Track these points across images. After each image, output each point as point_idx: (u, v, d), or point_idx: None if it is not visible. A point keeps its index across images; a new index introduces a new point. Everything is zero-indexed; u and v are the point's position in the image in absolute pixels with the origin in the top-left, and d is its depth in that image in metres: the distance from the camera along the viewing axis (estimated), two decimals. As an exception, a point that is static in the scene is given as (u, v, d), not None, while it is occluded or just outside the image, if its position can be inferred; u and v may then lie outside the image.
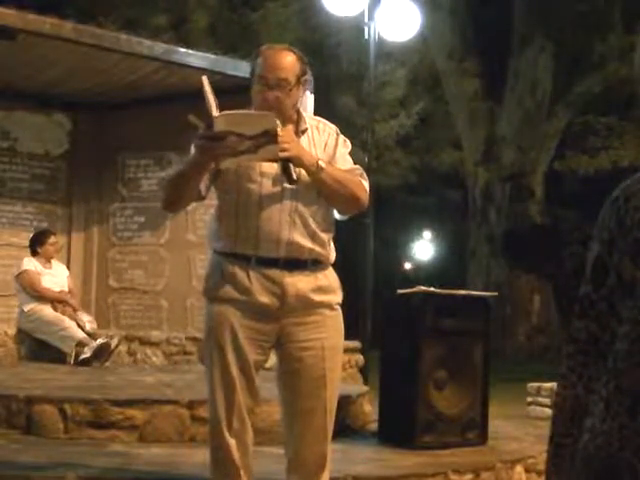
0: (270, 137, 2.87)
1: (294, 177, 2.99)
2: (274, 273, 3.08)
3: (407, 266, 31.77)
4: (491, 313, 5.45)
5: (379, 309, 5.86)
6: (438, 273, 25.64)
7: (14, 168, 8.57)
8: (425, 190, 24.24)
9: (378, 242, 9.77)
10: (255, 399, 3.17)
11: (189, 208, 8.02)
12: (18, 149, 8.59)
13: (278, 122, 2.92)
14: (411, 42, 11.96)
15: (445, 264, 27.61)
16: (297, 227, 3.08)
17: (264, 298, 3.08)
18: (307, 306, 3.13)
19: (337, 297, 3.24)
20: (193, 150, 3.07)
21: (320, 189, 3.09)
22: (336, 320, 3.23)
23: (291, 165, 2.98)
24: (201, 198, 3.12)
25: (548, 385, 7.81)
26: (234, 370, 3.08)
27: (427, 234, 30.51)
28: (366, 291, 8.65)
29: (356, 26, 10.58)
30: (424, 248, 30.72)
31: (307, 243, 3.11)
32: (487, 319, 5.34)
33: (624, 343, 1.50)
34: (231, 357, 3.08)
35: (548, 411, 7.09)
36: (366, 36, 9.22)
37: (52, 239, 7.70)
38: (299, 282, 3.11)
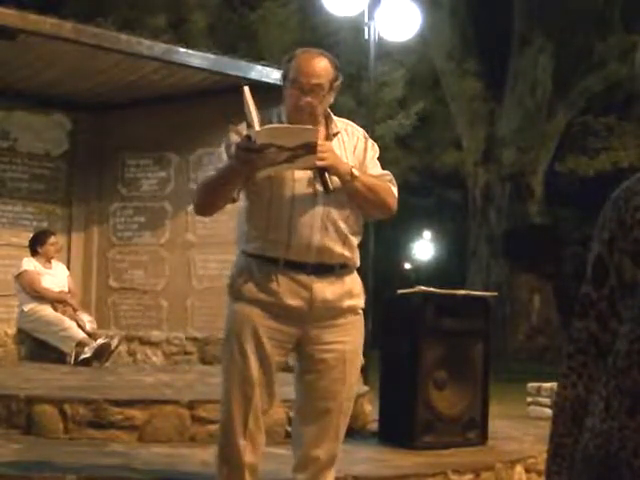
0: (310, 149, 2.91)
1: (330, 186, 3.02)
2: (303, 278, 3.10)
3: (407, 266, 31.76)
4: (491, 313, 5.45)
5: (379, 309, 5.86)
6: (438, 273, 25.64)
7: (14, 168, 8.57)
8: (425, 190, 24.24)
9: (378, 242, 9.76)
10: (272, 400, 3.19)
11: (189, 209, 8.01)
12: (18, 149, 8.58)
13: (318, 134, 2.96)
14: (411, 42, 11.95)
15: (445, 264, 27.62)
16: (329, 232, 3.10)
17: (292, 301, 3.10)
18: (334, 311, 3.16)
19: (361, 301, 3.28)
20: (225, 157, 3.10)
21: (352, 196, 3.12)
22: (359, 324, 3.27)
23: (326, 174, 3.01)
24: (233, 200, 3.15)
25: (548, 385, 7.80)
26: (254, 370, 3.09)
27: (427, 234, 30.50)
28: (366, 291, 8.63)
29: (356, 26, 10.57)
30: (424, 248, 30.71)
31: (338, 248, 3.13)
32: (487, 319, 5.34)
33: (624, 343, 1.50)
34: (252, 357, 3.09)
35: (548, 411, 7.08)
36: (366, 36, 9.21)
37: (52, 239, 7.71)
38: (327, 288, 3.13)
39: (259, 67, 7.68)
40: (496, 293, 7.24)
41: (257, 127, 2.90)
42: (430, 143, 21.09)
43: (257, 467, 3.17)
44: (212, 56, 7.82)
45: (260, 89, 5.35)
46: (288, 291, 3.09)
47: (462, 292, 5.47)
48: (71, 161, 8.85)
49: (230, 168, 3.05)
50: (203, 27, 16.78)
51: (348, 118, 3.36)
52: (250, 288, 3.13)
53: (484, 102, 20.33)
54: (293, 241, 3.07)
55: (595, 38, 19.02)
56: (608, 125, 17.88)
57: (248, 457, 3.12)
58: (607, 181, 15.63)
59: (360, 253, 3.28)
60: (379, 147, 3.34)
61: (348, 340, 3.19)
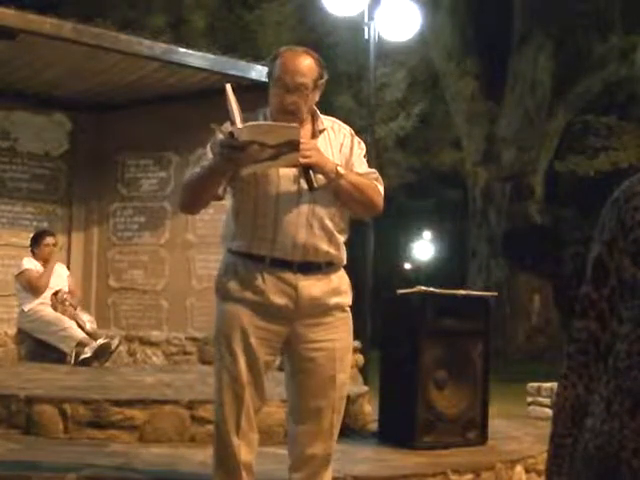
0: (293, 146, 2.92)
1: (314, 184, 3.02)
2: (288, 276, 3.10)
3: (407, 266, 31.76)
4: (491, 313, 5.45)
5: (379, 309, 5.86)
6: (438, 273, 25.63)
7: (14, 168, 8.56)
8: (425, 190, 24.23)
9: (378, 242, 9.76)
10: (263, 399, 3.19)
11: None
12: (18, 149, 8.58)
13: (301, 132, 2.96)
14: (411, 42, 11.95)
15: (445, 264, 27.60)
16: (314, 230, 3.10)
17: (278, 300, 3.10)
18: (320, 309, 3.15)
19: (348, 299, 3.27)
20: (211, 155, 3.11)
21: (338, 194, 3.12)
22: (347, 321, 3.26)
23: (311, 171, 3.01)
24: (218, 198, 3.16)
25: (548, 385, 7.80)
26: (244, 370, 3.09)
27: (427, 234, 30.50)
28: (366, 291, 8.65)
29: (356, 26, 10.57)
30: (424, 248, 30.70)
31: (323, 246, 3.13)
32: (487, 319, 5.34)
33: (624, 343, 1.51)
34: (241, 357, 3.09)
35: (548, 411, 7.08)
36: (366, 36, 9.21)
37: (47, 240, 7.63)
38: (313, 286, 3.13)
39: (259, 67, 7.67)
40: (496, 293, 7.22)
41: (239, 125, 2.91)
42: (430, 143, 21.07)
43: (252, 465, 3.18)
44: (212, 56, 7.81)
45: (259, 89, 5.36)
46: (274, 289, 3.09)
47: (462, 292, 5.47)
48: (71, 161, 8.85)
49: (214, 165, 3.06)
50: (202, 27, 16.78)
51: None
52: (236, 287, 3.13)
53: (484, 102, 20.32)
54: (278, 239, 3.08)
55: (595, 38, 19.01)
56: (608, 125, 17.88)
57: (243, 456, 3.13)
58: (607, 181, 15.63)
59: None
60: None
61: (337, 338, 3.19)
